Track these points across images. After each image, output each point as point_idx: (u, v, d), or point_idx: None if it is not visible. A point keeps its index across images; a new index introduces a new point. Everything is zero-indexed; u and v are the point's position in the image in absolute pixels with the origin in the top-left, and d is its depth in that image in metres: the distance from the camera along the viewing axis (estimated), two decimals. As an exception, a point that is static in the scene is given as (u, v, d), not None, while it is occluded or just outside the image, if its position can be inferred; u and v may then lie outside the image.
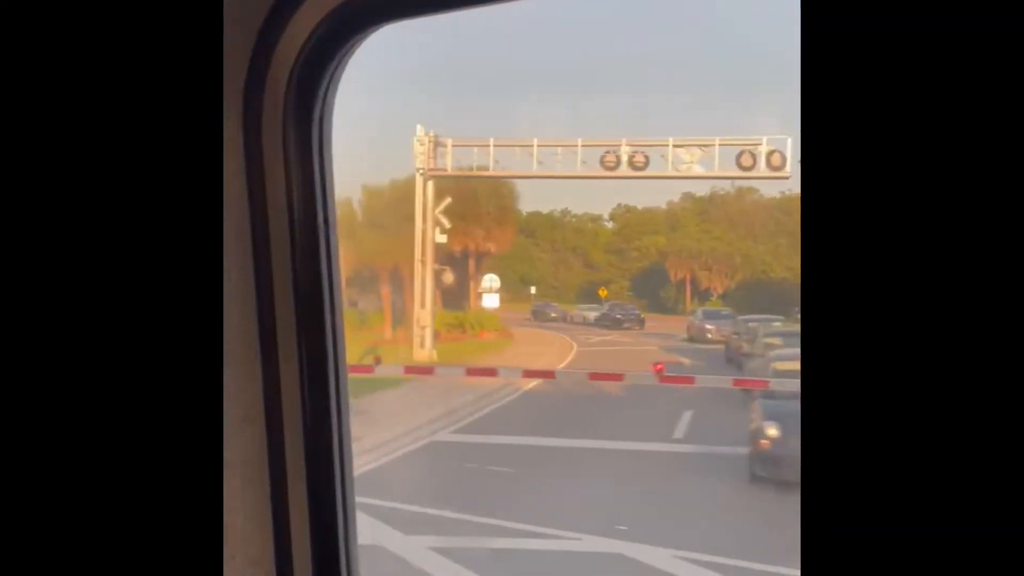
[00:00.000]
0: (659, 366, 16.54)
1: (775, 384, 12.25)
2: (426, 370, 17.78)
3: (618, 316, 30.79)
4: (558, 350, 24.48)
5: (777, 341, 16.85)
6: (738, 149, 19.30)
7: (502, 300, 27.11)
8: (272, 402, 1.30)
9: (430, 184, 20.79)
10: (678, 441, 13.40)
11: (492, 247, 30.57)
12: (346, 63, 1.31)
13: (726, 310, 27.77)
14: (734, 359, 20.48)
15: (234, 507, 1.28)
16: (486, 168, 20.83)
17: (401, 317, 22.97)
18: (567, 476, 11.49)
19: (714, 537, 9.18)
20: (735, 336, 21.71)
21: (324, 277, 1.32)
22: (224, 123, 1.24)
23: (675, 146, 19.32)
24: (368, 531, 8.86)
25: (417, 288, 20.68)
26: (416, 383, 16.89)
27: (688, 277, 36.10)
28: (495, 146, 20.44)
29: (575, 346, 25.44)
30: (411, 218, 20.98)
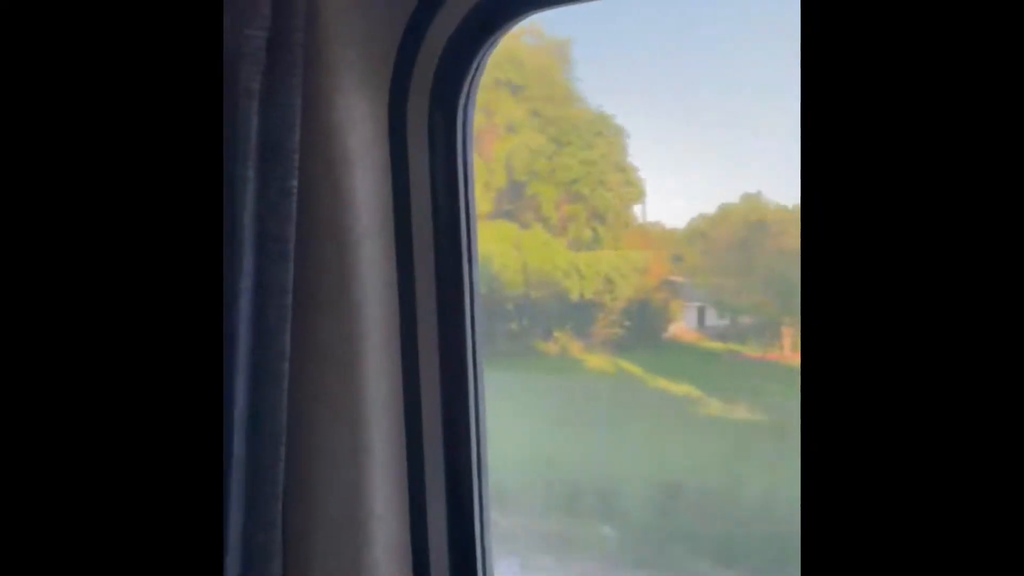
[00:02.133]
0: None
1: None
2: None
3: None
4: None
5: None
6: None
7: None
8: (411, 390, 1.35)
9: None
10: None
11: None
12: (490, 54, 1.35)
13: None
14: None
15: (373, 490, 1.32)
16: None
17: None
18: None
19: None
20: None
21: (464, 269, 1.36)
22: (369, 112, 1.29)
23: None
24: None
25: None
26: None
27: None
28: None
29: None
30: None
